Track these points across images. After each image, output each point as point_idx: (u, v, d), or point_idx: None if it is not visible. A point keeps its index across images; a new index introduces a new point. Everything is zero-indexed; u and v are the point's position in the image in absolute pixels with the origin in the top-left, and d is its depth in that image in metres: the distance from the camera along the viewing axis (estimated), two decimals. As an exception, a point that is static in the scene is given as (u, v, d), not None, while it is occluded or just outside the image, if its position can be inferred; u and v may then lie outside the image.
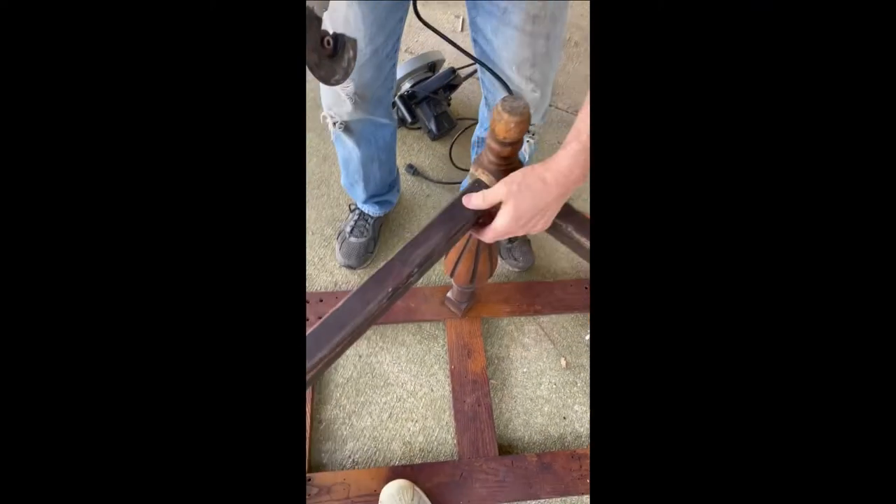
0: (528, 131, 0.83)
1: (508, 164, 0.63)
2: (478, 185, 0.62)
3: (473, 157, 1.16)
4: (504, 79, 0.79)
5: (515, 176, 0.56)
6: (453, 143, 1.47)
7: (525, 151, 1.01)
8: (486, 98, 0.96)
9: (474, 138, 1.13)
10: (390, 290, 0.53)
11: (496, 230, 0.58)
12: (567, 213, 0.61)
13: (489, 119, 1.00)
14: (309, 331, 0.50)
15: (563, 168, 0.53)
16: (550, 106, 1.62)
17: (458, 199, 0.60)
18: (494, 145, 0.61)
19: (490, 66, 0.81)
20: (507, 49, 0.78)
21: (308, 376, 0.49)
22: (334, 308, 0.52)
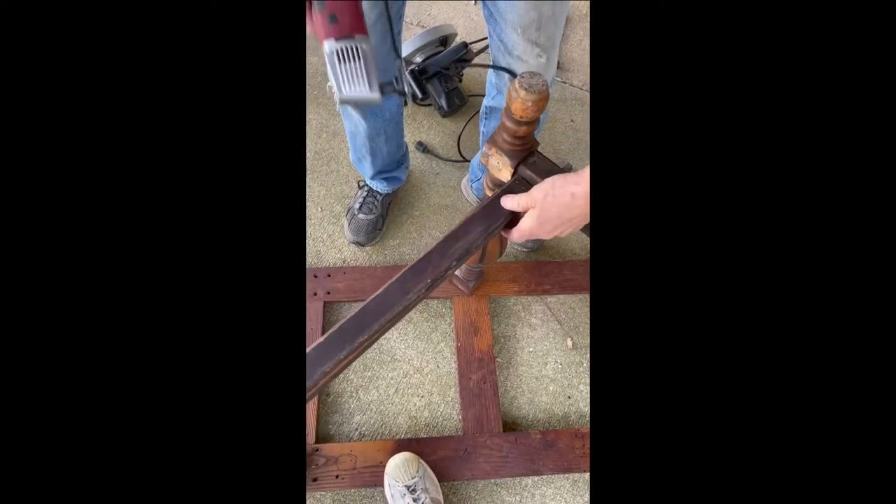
0: None
1: (524, 143, 0.62)
2: (518, 185, 0.63)
3: (482, 128, 1.14)
4: (509, 43, 0.78)
5: (545, 184, 0.57)
6: (465, 126, 1.44)
7: None
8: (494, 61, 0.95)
9: (483, 109, 1.10)
10: (429, 280, 0.56)
11: (521, 230, 0.61)
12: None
13: (497, 86, 0.99)
14: (351, 314, 0.53)
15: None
16: (564, 83, 1.59)
17: (498, 196, 0.62)
18: (510, 124, 0.59)
19: (496, 29, 0.80)
20: (513, 11, 0.76)
21: (350, 357, 0.52)
22: (375, 294, 0.54)
